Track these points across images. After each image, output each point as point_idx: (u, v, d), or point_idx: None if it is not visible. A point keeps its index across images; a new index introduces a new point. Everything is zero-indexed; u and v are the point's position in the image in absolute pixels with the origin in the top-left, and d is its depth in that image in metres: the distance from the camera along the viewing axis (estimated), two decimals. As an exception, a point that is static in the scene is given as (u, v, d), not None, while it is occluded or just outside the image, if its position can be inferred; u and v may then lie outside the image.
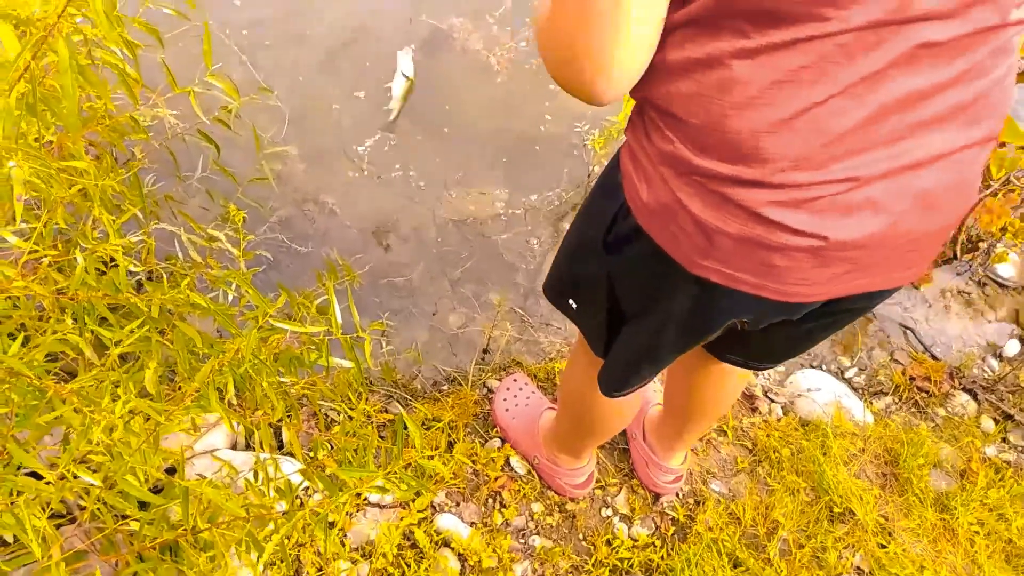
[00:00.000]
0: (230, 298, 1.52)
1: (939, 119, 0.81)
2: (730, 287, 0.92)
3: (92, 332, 1.33)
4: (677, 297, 1.00)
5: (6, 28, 1.05)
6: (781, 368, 2.30)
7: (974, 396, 2.28)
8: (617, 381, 1.29)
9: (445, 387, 2.08)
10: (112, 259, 1.38)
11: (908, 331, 2.43)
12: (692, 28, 0.80)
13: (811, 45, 0.74)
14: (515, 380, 2.00)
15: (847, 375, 2.33)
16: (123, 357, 1.53)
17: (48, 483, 1.11)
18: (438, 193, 2.50)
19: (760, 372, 2.27)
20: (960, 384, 2.29)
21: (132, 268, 1.34)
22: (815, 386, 2.20)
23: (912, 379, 2.28)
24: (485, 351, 2.17)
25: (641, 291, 1.07)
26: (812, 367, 2.34)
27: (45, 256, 1.37)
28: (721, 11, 0.76)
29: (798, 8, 0.73)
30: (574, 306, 1.26)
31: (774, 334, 1.09)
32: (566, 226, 2.48)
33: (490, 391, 2.04)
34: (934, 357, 2.37)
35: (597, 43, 0.78)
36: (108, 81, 1.21)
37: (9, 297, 1.33)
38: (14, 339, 1.27)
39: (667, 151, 0.89)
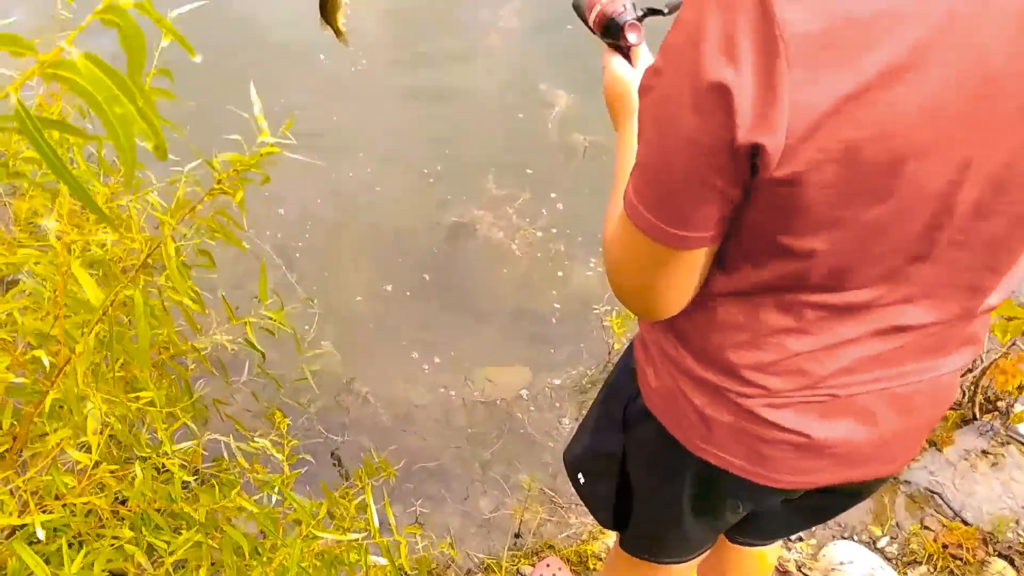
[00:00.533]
0: (273, 500, 1.60)
1: (916, 354, 0.93)
2: (725, 470, 1.01)
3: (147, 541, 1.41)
4: (684, 476, 1.09)
5: (87, 278, 1.21)
6: (813, 541, 2.31)
7: (1011, 562, 2.26)
8: (645, 551, 1.34)
9: (478, 575, 2.11)
10: (164, 466, 1.48)
11: (936, 496, 2.44)
12: (716, 270, 0.91)
13: (804, 307, 0.87)
14: (548, 565, 2.03)
15: (879, 544, 2.32)
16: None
17: None
18: (465, 375, 2.62)
19: (791, 547, 2.28)
20: (995, 550, 2.28)
21: (185, 478, 1.44)
22: (848, 559, 2.20)
23: (945, 547, 2.27)
24: (517, 535, 2.21)
25: (651, 468, 1.17)
26: (844, 538, 2.34)
27: (103, 466, 1.47)
28: (750, 285, 0.89)
29: (809, 283, 0.85)
30: (581, 480, 1.35)
31: (778, 513, 1.17)
32: (589, 403, 2.57)
33: (523, 577, 2.07)
34: (965, 522, 2.37)
35: (643, 301, 0.93)
36: (172, 313, 1.36)
37: (65, 505, 1.43)
38: (72, 547, 1.35)
39: (671, 354, 1.02)
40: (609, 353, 2.70)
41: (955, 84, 0.69)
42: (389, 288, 2.84)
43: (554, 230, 3.10)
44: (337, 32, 1.24)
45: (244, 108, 1.21)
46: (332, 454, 2.34)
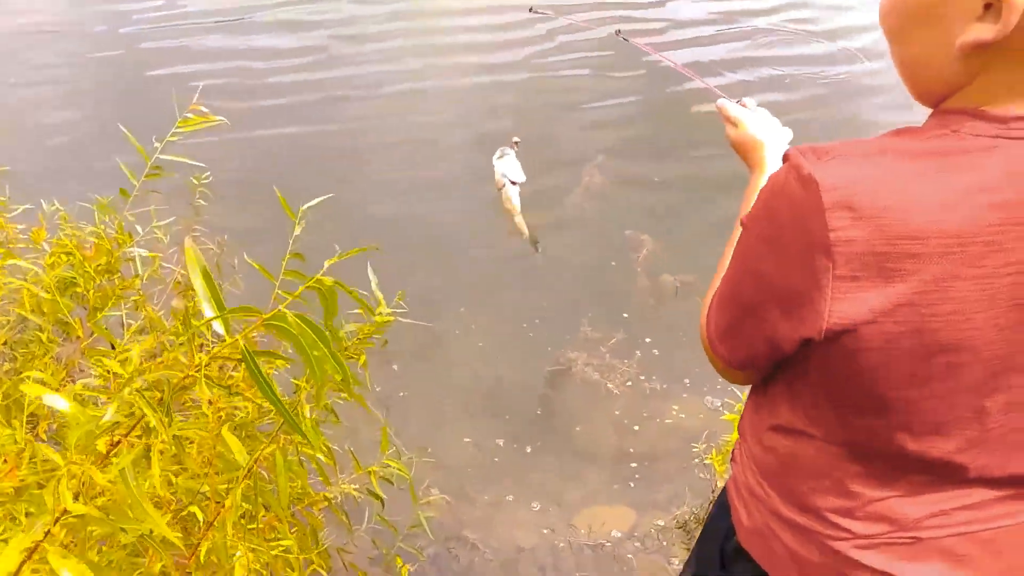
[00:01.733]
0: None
1: (997, 502, 0.96)
2: None
3: None
4: None
5: (234, 440, 1.37)
6: None
7: None
8: None
9: None
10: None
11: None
12: (786, 405, 1.01)
13: (877, 457, 0.94)
14: None
15: None
16: None
17: None
18: (571, 517, 2.66)
19: None
20: None
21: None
22: None
23: None
24: None
25: None
26: None
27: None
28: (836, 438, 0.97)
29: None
30: None
31: None
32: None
33: None
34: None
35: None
36: (307, 466, 1.50)
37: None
38: None
39: (759, 494, 1.08)
40: (712, 491, 2.71)
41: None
42: (501, 443, 2.96)
43: (652, 374, 3.19)
44: (532, 240, 1.46)
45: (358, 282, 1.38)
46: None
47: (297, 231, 1.58)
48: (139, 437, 1.42)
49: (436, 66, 5.89)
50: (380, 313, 1.24)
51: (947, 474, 0.93)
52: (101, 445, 0.82)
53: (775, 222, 0.83)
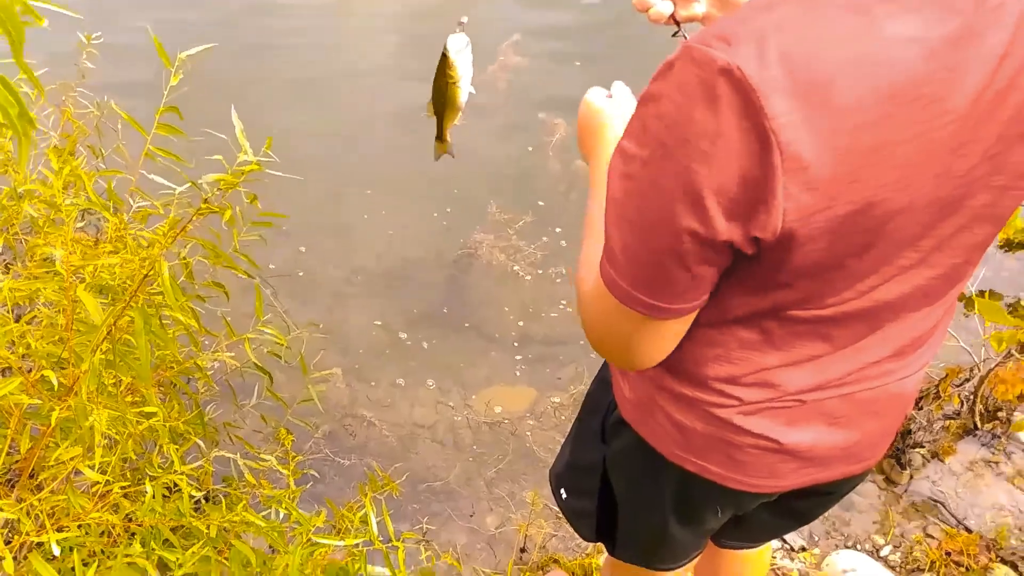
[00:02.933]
0: (281, 515, 1.66)
1: (880, 360, 0.97)
2: (703, 476, 1.05)
3: (158, 556, 1.46)
4: (663, 484, 1.12)
5: (90, 300, 1.28)
6: (816, 551, 2.33)
7: (1015, 567, 2.27)
8: (637, 559, 1.37)
9: (485, 590, 2.14)
10: (175, 484, 1.54)
11: (939, 504, 2.46)
12: None
13: (774, 324, 0.91)
14: (552, 579, 2.06)
15: (882, 553, 2.34)
16: None
17: None
18: (471, 397, 2.67)
19: (794, 558, 2.29)
20: (998, 556, 2.29)
21: (193, 494, 1.50)
22: (851, 567, 2.21)
23: (948, 554, 2.28)
24: (522, 550, 2.24)
25: (631, 478, 1.20)
26: (847, 547, 2.35)
27: (116, 486, 1.53)
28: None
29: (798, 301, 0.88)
30: (563, 495, 1.39)
31: (760, 515, 1.20)
32: (594, 421, 2.61)
33: (528, 591, 2.10)
34: (968, 530, 2.38)
35: (622, 358, 0.96)
36: (176, 335, 1.42)
37: (81, 525, 1.48)
38: (87, 565, 1.40)
39: (647, 371, 1.05)
40: (611, 371, 2.75)
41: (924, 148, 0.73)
42: (394, 316, 2.91)
43: (559, 259, 3.17)
44: (440, 135, 1.29)
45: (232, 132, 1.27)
46: (339, 475, 2.39)
47: (174, 82, 1.45)
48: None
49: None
50: (244, 162, 1.14)
51: (846, 335, 0.92)
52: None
53: (698, 130, 0.71)
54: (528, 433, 2.57)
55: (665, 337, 0.91)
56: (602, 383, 1.23)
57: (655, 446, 1.08)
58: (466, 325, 2.93)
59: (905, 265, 0.85)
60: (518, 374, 2.77)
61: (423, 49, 4.26)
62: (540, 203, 3.39)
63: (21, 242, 2.32)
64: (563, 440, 2.48)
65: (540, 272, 3.11)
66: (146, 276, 1.23)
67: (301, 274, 2.99)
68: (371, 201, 3.37)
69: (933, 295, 0.93)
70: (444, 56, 1.19)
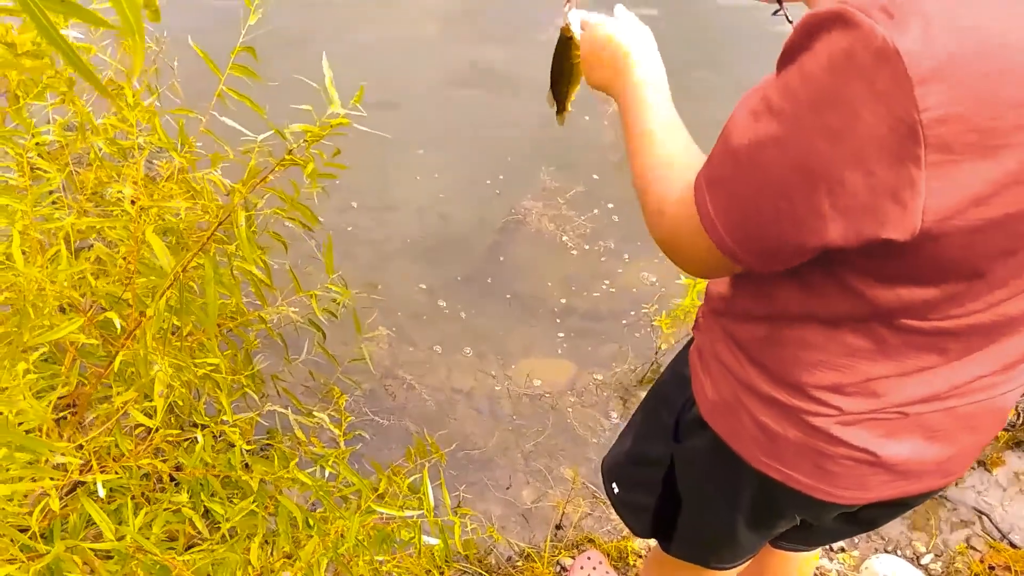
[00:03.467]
0: (327, 474, 1.63)
1: (984, 375, 0.91)
2: (786, 484, 1.00)
3: (204, 507, 1.44)
4: (740, 489, 1.08)
5: (159, 243, 1.24)
6: (856, 553, 2.28)
7: (1061, 588, 2.21)
8: (694, 557, 1.33)
9: (519, 563, 2.11)
10: (221, 433, 1.51)
11: (984, 516, 2.39)
12: (793, 290, 0.89)
13: (888, 332, 0.85)
14: (588, 558, 2.03)
15: (923, 561, 2.28)
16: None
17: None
18: (511, 366, 2.63)
19: (833, 558, 2.25)
20: (1044, 574, 2.23)
21: (246, 447, 1.47)
22: (890, 572, 2.16)
23: (991, 568, 2.23)
24: (558, 527, 2.21)
25: (704, 479, 1.15)
26: (887, 552, 2.30)
27: (162, 432, 1.50)
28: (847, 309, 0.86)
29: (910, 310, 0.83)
30: (616, 489, 1.34)
31: (829, 523, 1.15)
32: (634, 401, 2.56)
33: (564, 568, 2.07)
34: (1013, 545, 2.32)
35: (696, 272, 0.94)
36: (241, 284, 1.38)
37: (126, 468, 1.46)
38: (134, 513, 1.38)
39: (733, 368, 1.01)
40: (656, 353, 2.69)
41: None
42: (438, 278, 2.86)
43: (607, 232, 3.10)
44: (563, 107, 1.28)
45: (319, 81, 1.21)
46: (378, 435, 2.36)
47: (252, 20, 1.39)
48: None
49: None
50: (333, 114, 1.08)
51: (961, 348, 0.87)
52: None
53: (840, 105, 0.66)
54: (568, 409, 2.52)
55: (734, 269, 0.87)
56: (678, 377, 1.17)
57: (737, 450, 1.03)
58: (507, 296, 2.87)
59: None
60: (559, 349, 2.72)
61: (476, 12, 4.20)
62: (594, 176, 3.31)
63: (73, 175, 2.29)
64: (614, 418, 2.45)
65: (587, 247, 3.05)
66: (220, 224, 1.19)
67: (350, 229, 2.94)
68: (423, 161, 3.30)
69: None
70: (568, 38, 1.15)
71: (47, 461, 1.14)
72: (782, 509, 1.08)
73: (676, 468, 1.19)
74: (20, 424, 1.05)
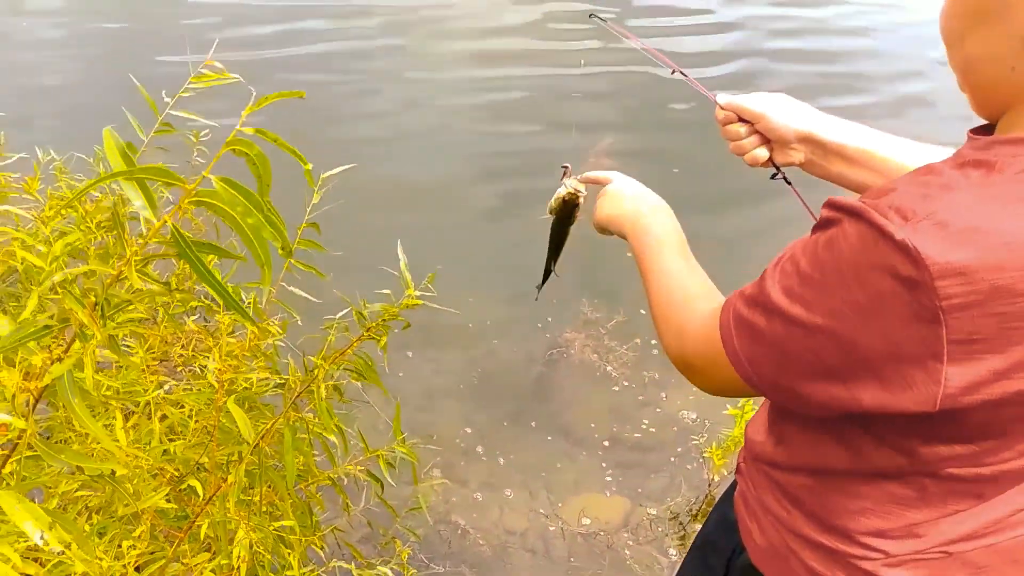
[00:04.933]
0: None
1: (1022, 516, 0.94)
2: None
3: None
4: None
5: (241, 414, 1.30)
6: None
7: None
8: None
9: None
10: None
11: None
12: (833, 446, 0.94)
13: (931, 481, 0.88)
14: None
15: None
16: None
17: None
18: (562, 503, 2.62)
19: None
20: None
21: (314, 608, 1.48)
22: None
23: None
24: (622, 674, 2.15)
25: None
26: None
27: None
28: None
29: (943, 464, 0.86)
30: None
31: None
32: (691, 535, 2.53)
33: None
34: None
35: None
36: (313, 444, 1.44)
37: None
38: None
39: (780, 515, 1.04)
40: (709, 485, 2.67)
41: None
42: (485, 416, 2.90)
43: (649, 361, 3.14)
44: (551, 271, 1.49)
45: (386, 262, 1.31)
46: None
47: (316, 199, 1.50)
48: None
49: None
50: (409, 296, 1.17)
51: (995, 490, 0.89)
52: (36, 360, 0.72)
53: (866, 292, 0.72)
54: (625, 550, 2.49)
55: (751, 392, 0.92)
56: (725, 521, 1.19)
57: None
58: (553, 429, 2.90)
59: None
60: (611, 484, 2.72)
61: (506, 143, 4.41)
62: (632, 304, 3.39)
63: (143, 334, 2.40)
64: (672, 553, 2.42)
65: (630, 374, 3.08)
66: (298, 395, 1.25)
67: (401, 374, 3.02)
68: (464, 302, 3.41)
69: None
70: (573, 204, 1.31)
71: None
72: None
73: None
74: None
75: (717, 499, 1.30)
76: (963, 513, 0.91)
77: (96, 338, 0.71)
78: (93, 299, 0.72)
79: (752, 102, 1.23)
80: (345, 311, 1.24)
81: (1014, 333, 0.70)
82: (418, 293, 1.14)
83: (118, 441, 1.03)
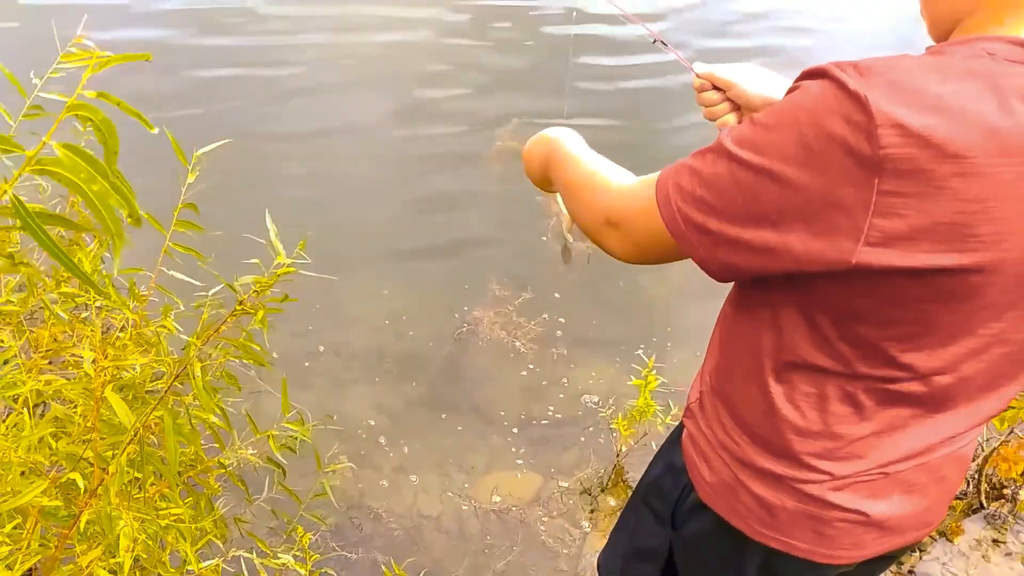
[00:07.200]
0: (296, 617, 1.61)
1: (950, 430, 1.00)
2: (788, 553, 1.06)
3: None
4: (744, 564, 1.13)
5: (120, 403, 1.27)
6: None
7: (1035, 652, 2.24)
8: None
9: None
10: (188, 586, 1.49)
11: (953, 587, 2.43)
12: (770, 333, 0.98)
13: (864, 397, 0.94)
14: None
15: (901, 639, 2.30)
16: None
17: None
18: (476, 483, 2.64)
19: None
20: (1018, 640, 2.26)
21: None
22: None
23: (967, 638, 2.25)
24: (536, 645, 2.19)
25: (707, 561, 1.20)
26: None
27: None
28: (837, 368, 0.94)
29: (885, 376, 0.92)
30: None
31: None
32: (602, 506, 2.58)
33: None
34: (985, 612, 2.35)
35: (617, 251, 1.02)
36: (200, 431, 1.41)
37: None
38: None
39: (728, 445, 1.09)
40: (617, 456, 2.73)
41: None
42: (394, 398, 2.89)
43: (557, 338, 3.19)
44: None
45: (261, 234, 1.29)
46: (346, 570, 2.33)
47: (191, 179, 1.47)
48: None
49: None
50: (279, 265, 1.15)
51: (930, 404, 0.95)
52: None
53: (816, 133, 0.78)
54: (538, 524, 2.53)
55: (665, 259, 0.96)
56: (671, 468, 1.24)
57: (738, 526, 1.09)
58: (464, 409, 2.92)
59: (989, 338, 0.88)
60: (520, 461, 2.75)
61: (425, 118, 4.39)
62: (539, 282, 3.43)
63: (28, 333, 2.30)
64: (585, 525, 2.46)
65: (539, 349, 3.13)
66: (176, 378, 1.23)
67: (307, 364, 2.98)
68: (371, 283, 3.39)
69: (1012, 374, 0.96)
70: None
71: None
72: None
73: (676, 556, 1.24)
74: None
75: (658, 450, 1.33)
76: (899, 433, 0.97)
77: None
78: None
79: (724, 71, 1.28)
80: (219, 287, 1.22)
81: (939, 193, 0.75)
82: (289, 261, 1.12)
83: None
